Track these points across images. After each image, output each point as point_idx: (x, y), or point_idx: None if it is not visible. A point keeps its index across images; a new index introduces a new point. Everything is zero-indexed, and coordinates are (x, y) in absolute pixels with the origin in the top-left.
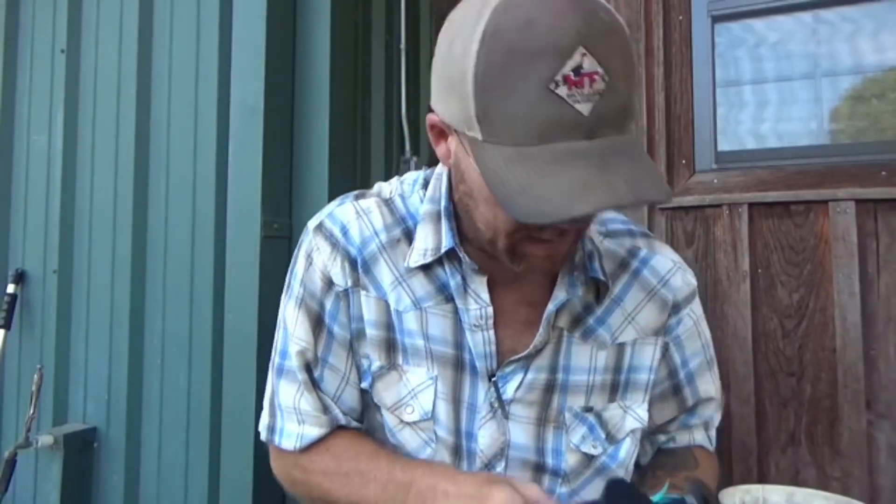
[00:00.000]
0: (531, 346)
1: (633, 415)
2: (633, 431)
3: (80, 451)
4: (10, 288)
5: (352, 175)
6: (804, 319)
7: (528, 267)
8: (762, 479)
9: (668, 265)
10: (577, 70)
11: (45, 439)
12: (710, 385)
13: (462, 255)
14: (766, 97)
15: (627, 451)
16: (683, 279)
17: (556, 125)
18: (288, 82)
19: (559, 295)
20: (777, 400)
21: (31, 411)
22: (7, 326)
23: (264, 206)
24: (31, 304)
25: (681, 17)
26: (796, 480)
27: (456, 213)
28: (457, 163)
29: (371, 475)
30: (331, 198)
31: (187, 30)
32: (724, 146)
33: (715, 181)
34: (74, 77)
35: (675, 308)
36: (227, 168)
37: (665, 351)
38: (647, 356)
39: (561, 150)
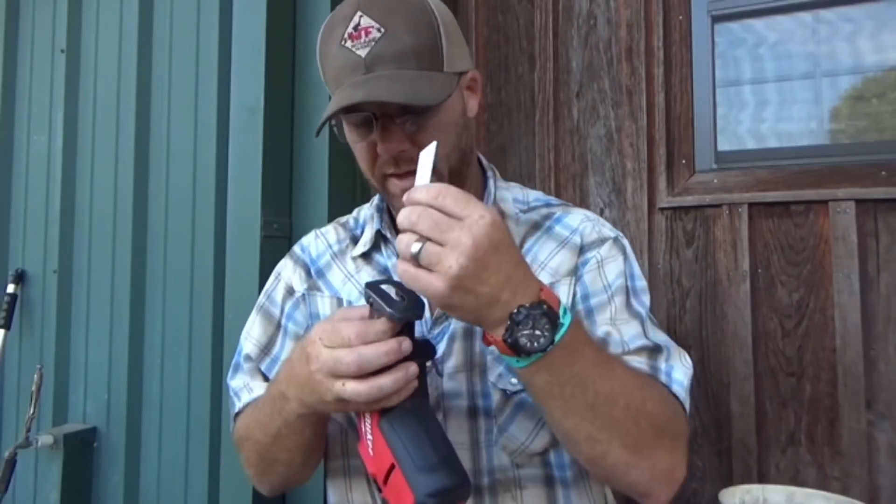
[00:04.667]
0: None
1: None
2: None
3: (80, 451)
4: (10, 288)
5: (351, 175)
6: (804, 319)
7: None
8: (762, 479)
9: (580, 218)
10: (356, 27)
11: (45, 439)
12: (607, 319)
13: (386, 233)
14: (766, 97)
15: None
16: (594, 228)
17: (346, 68)
18: (288, 82)
19: None
20: (777, 400)
21: (31, 411)
22: (7, 326)
23: (264, 206)
24: (31, 304)
25: (681, 17)
26: (796, 480)
27: (389, 207)
28: (347, 136)
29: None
30: (331, 197)
31: (187, 30)
32: (724, 146)
33: (715, 181)
34: (74, 77)
35: (583, 250)
36: (227, 168)
37: (575, 287)
38: (563, 295)
39: (346, 84)
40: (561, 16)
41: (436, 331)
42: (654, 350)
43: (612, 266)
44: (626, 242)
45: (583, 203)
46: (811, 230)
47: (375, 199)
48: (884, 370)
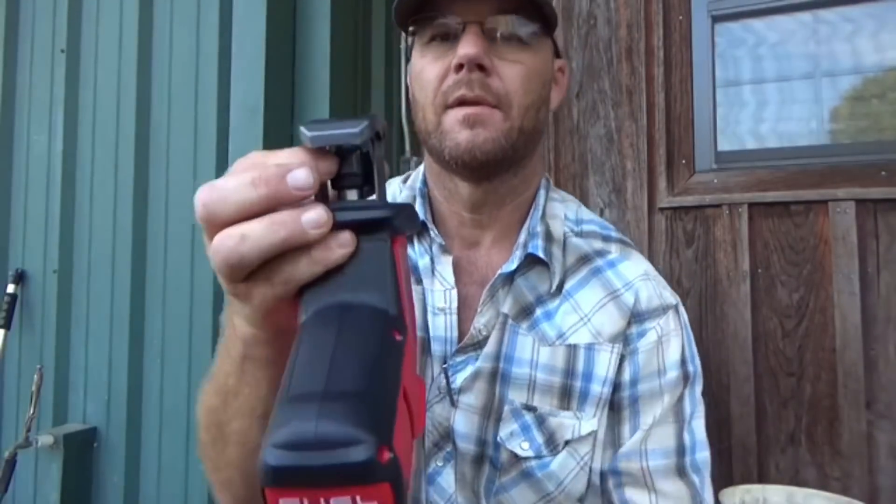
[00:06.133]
0: (472, 328)
1: (576, 426)
2: (569, 444)
3: (80, 451)
4: (10, 288)
5: None
6: (804, 319)
7: (453, 152)
8: (762, 479)
9: (639, 272)
10: None
11: (45, 439)
12: (647, 420)
13: (431, 226)
14: (766, 97)
15: (562, 465)
16: (655, 290)
17: None
18: (288, 82)
19: (501, 271)
20: (777, 400)
21: (31, 411)
22: (7, 326)
23: None
24: (31, 304)
25: (681, 17)
26: (796, 480)
27: (430, 195)
28: (411, 67)
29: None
30: None
31: (187, 30)
32: (724, 146)
33: (715, 181)
34: (74, 77)
35: (638, 317)
36: (227, 168)
37: (620, 363)
38: (603, 364)
39: None
40: (561, 16)
41: (459, 358)
42: (679, 472)
43: (673, 345)
44: (683, 309)
45: (583, 203)
46: (811, 230)
47: (416, 182)
48: (884, 370)
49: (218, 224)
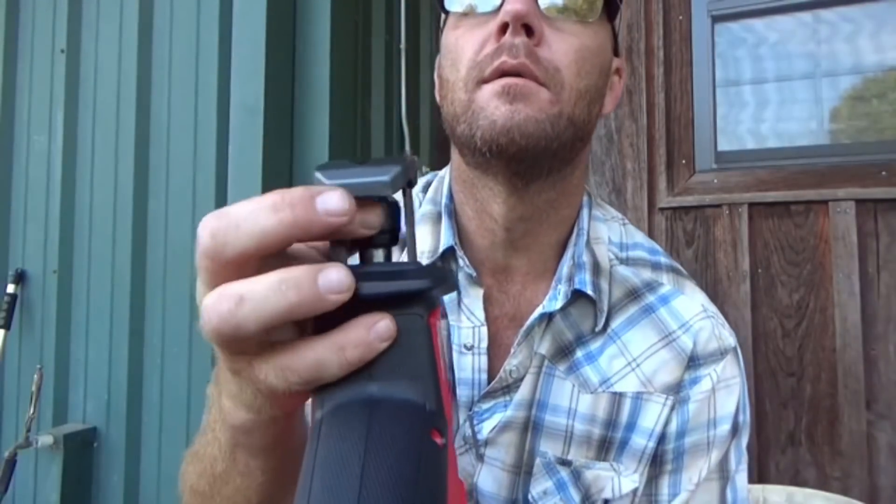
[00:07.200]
0: (502, 370)
1: (614, 482)
2: (608, 503)
3: (80, 451)
4: (10, 288)
5: None
6: (804, 319)
7: (487, 133)
8: (762, 479)
9: (696, 309)
10: None
11: (45, 439)
12: (695, 478)
13: (461, 254)
14: (766, 97)
15: None
16: (714, 331)
17: None
18: (288, 82)
19: (540, 308)
20: (777, 400)
21: (31, 411)
22: (7, 326)
23: None
24: (31, 304)
25: (681, 17)
26: (796, 480)
27: (457, 212)
28: (442, 44)
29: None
30: None
31: (187, 30)
32: (724, 146)
33: (715, 181)
34: (74, 77)
35: (694, 362)
36: (227, 168)
37: (670, 412)
38: (652, 417)
39: None
40: None
41: (485, 405)
42: None
43: (729, 395)
44: (740, 350)
45: None
46: (811, 230)
47: (439, 195)
48: (884, 370)
49: (223, 262)
